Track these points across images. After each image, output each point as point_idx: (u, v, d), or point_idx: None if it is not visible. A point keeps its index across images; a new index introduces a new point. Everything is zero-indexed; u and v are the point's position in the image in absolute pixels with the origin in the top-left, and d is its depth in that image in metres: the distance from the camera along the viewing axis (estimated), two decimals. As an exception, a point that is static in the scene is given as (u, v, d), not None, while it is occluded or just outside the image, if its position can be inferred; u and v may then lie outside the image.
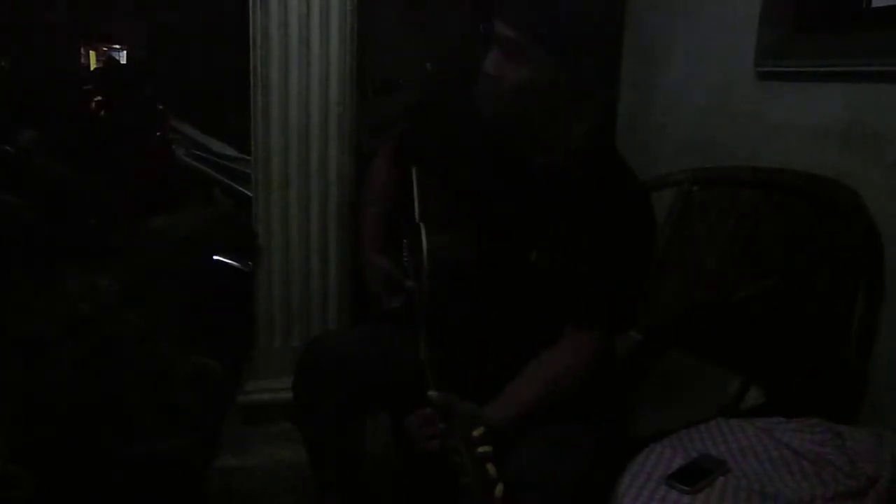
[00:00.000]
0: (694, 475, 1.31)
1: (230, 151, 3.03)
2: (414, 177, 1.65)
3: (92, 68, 5.57)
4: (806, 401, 1.69)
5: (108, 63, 5.47)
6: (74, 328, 1.80)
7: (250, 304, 2.13)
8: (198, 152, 3.02)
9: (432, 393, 1.17)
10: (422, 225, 1.49)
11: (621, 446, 1.45)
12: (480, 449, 1.02)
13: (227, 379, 2.12)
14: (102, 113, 4.00)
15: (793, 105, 2.06)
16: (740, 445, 1.43)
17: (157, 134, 3.32)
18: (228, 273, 2.17)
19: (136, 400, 1.82)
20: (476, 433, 1.05)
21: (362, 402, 1.54)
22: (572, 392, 1.35)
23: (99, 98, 4.11)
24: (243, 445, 2.11)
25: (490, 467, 1.00)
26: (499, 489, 0.98)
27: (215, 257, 2.17)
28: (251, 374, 2.17)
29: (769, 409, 1.66)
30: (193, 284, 2.16)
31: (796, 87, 2.06)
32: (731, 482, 1.30)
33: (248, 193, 2.33)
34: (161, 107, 3.68)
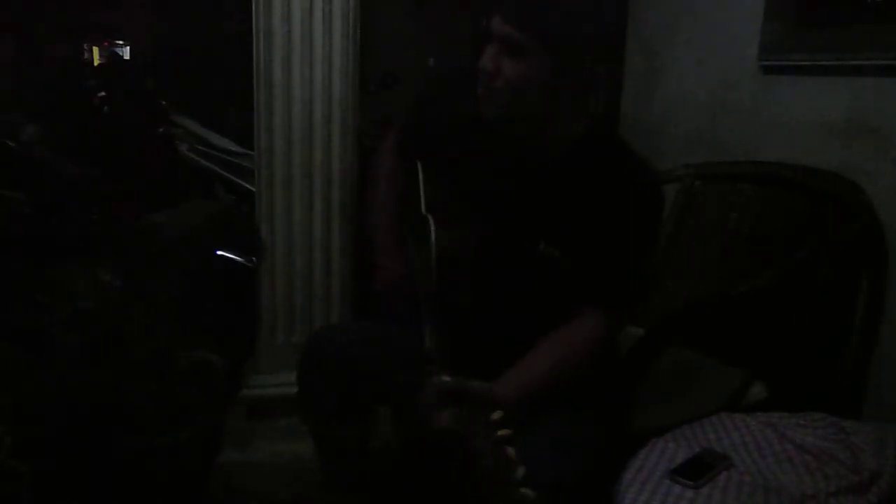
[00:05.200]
0: (697, 469, 1.31)
1: (233, 147, 3.03)
2: (419, 170, 1.65)
3: (95, 64, 5.56)
4: (809, 395, 1.69)
5: (111, 59, 5.46)
6: (76, 323, 1.80)
7: (253, 299, 2.13)
8: (200, 147, 3.02)
9: (445, 378, 1.15)
10: (429, 217, 1.48)
11: (624, 441, 1.45)
12: (500, 432, 1.02)
13: (230, 374, 2.11)
14: (105, 108, 3.99)
15: (796, 99, 2.06)
16: (743, 440, 1.43)
17: (160, 129, 3.32)
18: (231, 268, 2.17)
19: (137, 394, 1.82)
20: (495, 416, 1.04)
21: (366, 396, 1.54)
22: (580, 372, 1.35)
23: (102, 93, 4.11)
24: (246, 440, 2.11)
25: (510, 450, 0.99)
26: (520, 471, 0.97)
27: (218, 252, 2.17)
28: (254, 369, 2.17)
29: (772, 404, 1.66)
30: (196, 279, 2.15)
31: (799, 82, 2.05)
32: (735, 477, 1.30)
33: (251, 188, 2.33)
34: (164, 102, 3.67)
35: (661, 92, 2.61)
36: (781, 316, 1.79)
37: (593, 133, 1.45)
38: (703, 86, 2.40)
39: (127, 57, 5.70)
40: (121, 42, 5.85)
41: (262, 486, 2.03)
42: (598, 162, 1.41)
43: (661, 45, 2.59)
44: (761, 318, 1.78)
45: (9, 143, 2.21)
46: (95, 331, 1.81)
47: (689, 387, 1.79)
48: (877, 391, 1.81)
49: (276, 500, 2.01)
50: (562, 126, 1.42)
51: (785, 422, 1.48)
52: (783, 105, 2.10)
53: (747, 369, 1.78)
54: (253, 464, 2.06)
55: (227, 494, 2.00)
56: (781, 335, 1.79)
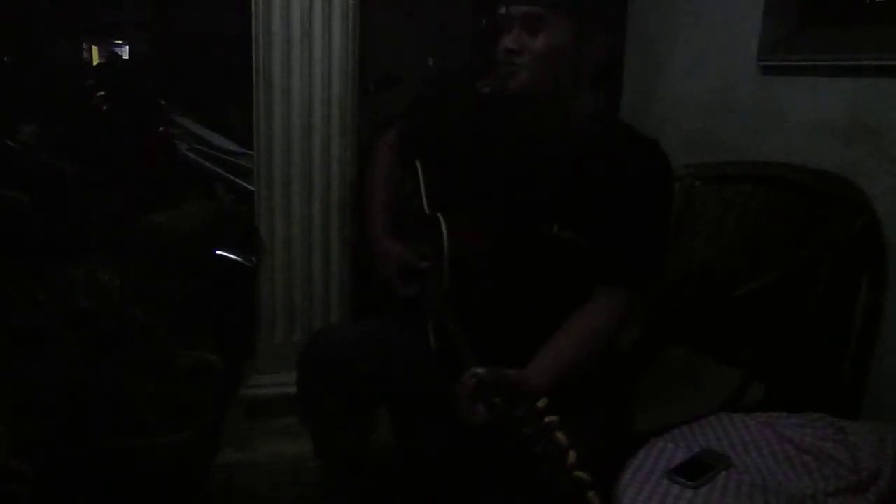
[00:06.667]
0: (696, 470, 1.31)
1: (232, 146, 3.03)
2: (419, 169, 1.65)
3: (95, 63, 5.57)
4: (808, 396, 1.69)
5: (111, 58, 5.47)
6: (75, 322, 1.80)
7: (252, 298, 2.13)
8: (199, 147, 3.01)
9: (479, 370, 1.15)
10: (440, 215, 1.48)
11: (624, 441, 1.45)
12: (547, 419, 1.01)
13: (229, 373, 2.11)
14: (104, 108, 3.99)
15: (796, 99, 2.06)
16: (742, 440, 1.43)
17: (159, 129, 3.32)
18: (231, 268, 2.17)
19: (137, 394, 1.82)
20: (541, 403, 1.03)
21: (366, 396, 1.54)
22: (608, 349, 1.38)
23: (101, 93, 4.11)
24: (245, 440, 2.10)
25: (560, 435, 0.99)
26: (571, 456, 0.97)
27: (217, 252, 2.17)
28: (253, 369, 2.16)
29: (771, 404, 1.66)
30: (195, 279, 2.15)
31: (799, 82, 2.05)
32: (734, 477, 1.30)
33: (250, 188, 2.32)
34: (163, 102, 3.67)
35: (661, 92, 2.61)
36: (781, 316, 1.79)
37: (601, 115, 1.48)
38: (703, 85, 2.40)
39: (126, 57, 5.70)
40: (120, 42, 5.85)
41: (261, 486, 2.02)
42: (607, 141, 1.43)
43: (661, 45, 2.59)
44: (761, 319, 1.78)
45: (9, 143, 2.22)
46: (95, 331, 1.81)
47: (689, 387, 1.79)
48: (876, 391, 1.81)
49: (276, 500, 2.01)
50: (573, 107, 1.44)
51: (784, 422, 1.48)
52: (783, 105, 2.10)
53: (746, 369, 1.78)
54: (252, 464, 2.06)
55: (226, 494, 2.00)
56: (781, 335, 1.79)
